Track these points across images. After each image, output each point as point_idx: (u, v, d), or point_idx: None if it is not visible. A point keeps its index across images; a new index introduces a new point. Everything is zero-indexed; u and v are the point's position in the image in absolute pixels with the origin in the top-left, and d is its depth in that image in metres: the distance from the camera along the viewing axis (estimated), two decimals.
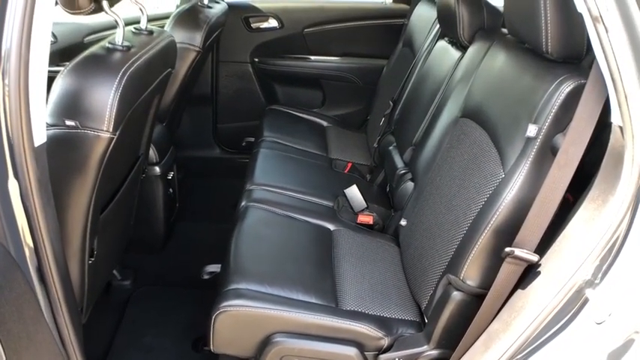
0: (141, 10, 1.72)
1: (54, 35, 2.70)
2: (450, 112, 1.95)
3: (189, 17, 2.43)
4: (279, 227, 2.01)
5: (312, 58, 3.39)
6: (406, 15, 3.22)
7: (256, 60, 3.37)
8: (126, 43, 1.53)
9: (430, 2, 2.81)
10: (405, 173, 2.25)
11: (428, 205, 1.82)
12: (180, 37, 2.32)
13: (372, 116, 3.08)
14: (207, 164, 3.44)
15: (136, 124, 1.75)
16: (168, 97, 2.39)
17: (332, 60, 3.39)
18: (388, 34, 3.31)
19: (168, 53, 1.83)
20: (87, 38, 2.85)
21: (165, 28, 2.36)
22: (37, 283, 1.24)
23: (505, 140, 1.47)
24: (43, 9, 1.11)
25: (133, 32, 1.71)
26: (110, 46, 1.52)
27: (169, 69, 1.89)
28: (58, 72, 1.45)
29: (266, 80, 3.43)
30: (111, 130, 1.39)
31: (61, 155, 1.37)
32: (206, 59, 2.99)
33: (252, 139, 3.02)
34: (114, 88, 1.38)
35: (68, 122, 1.35)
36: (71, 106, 1.36)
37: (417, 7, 2.96)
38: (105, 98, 1.36)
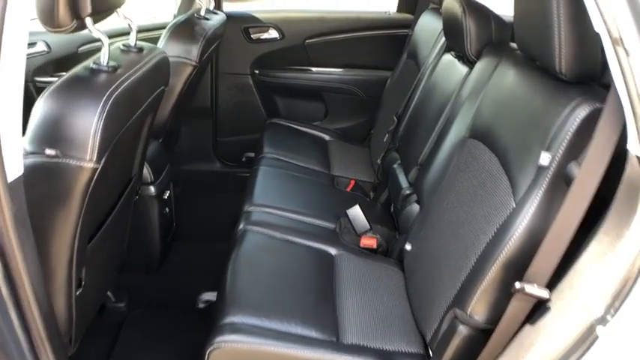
0: (129, 25, 1.63)
1: (47, 45, 2.66)
2: (457, 131, 1.86)
3: (184, 30, 2.34)
4: (277, 253, 1.93)
5: (314, 69, 3.32)
6: (410, 25, 3.14)
7: (257, 72, 3.30)
8: (112, 63, 1.44)
9: (435, 13, 2.73)
10: (410, 194, 2.16)
11: (434, 231, 1.73)
12: (175, 50, 2.25)
13: (376, 130, 2.99)
14: (206, 178, 3.36)
15: (125, 147, 1.66)
16: (164, 113, 2.31)
17: (334, 72, 3.31)
18: (392, 44, 3.23)
19: (160, 71, 1.75)
20: (81, 48, 2.80)
21: (159, 41, 2.29)
22: (18, 325, 1.16)
23: (516, 167, 1.39)
24: (16, 21, 1.01)
25: (121, 49, 1.63)
26: (94, 66, 1.42)
27: (162, 87, 1.80)
28: (51, 83, 1.37)
29: (267, 92, 3.35)
30: (94, 159, 1.30)
31: (41, 186, 1.29)
32: (204, 72, 2.91)
33: (252, 155, 2.94)
34: (97, 114, 1.29)
35: (49, 151, 1.26)
36: (52, 134, 1.28)
37: (421, 17, 2.88)
38: (88, 125, 1.27)
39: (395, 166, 2.43)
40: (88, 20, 1.35)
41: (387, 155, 2.59)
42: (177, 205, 2.64)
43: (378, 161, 2.64)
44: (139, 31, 3.10)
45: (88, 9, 1.33)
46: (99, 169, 1.33)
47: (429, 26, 2.71)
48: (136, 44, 1.64)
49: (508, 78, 1.64)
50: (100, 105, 1.30)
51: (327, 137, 3.10)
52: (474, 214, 1.51)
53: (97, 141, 1.29)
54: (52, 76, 2.63)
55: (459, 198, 1.64)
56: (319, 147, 2.97)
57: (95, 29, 1.38)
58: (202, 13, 2.56)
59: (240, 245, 1.91)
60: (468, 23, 2.01)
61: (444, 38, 2.41)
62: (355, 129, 3.33)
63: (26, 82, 2.71)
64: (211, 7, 2.81)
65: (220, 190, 3.33)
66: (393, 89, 2.95)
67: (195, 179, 3.25)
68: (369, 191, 2.68)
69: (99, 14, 1.41)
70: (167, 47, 2.25)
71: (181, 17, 2.47)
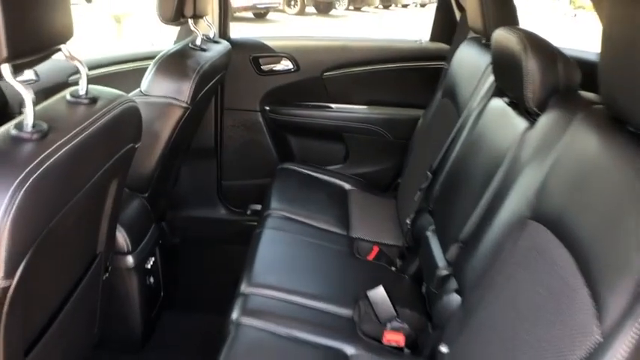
0: (79, 67, 1.22)
1: (35, 73, 2.39)
2: (513, 206, 1.42)
3: (173, 64, 1.96)
4: (278, 356, 1.52)
5: (333, 106, 2.89)
6: (446, 57, 2.71)
7: (267, 108, 2.88)
8: (41, 126, 1.02)
9: (477, 44, 2.29)
10: (447, 276, 1.72)
11: (479, 341, 1.29)
12: (161, 89, 1.89)
13: (405, 180, 2.56)
14: (209, 227, 2.97)
15: (75, 228, 1.26)
16: (149, 165, 1.94)
17: (356, 109, 2.88)
18: (424, 79, 2.81)
19: (124, 126, 1.35)
20: (72, 77, 2.53)
21: (143, 78, 1.92)
22: None
23: (603, 279, 0.95)
24: None
25: (67, 101, 1.22)
26: (14, 132, 1.00)
27: (130, 144, 1.40)
28: None
29: (278, 132, 2.93)
30: (2, 275, 0.89)
31: None
32: (203, 111, 2.52)
33: (259, 207, 2.53)
34: (2, 210, 0.88)
35: None
36: None
37: (460, 49, 2.43)
38: None
39: (429, 233, 1.98)
40: (5, 68, 0.95)
41: (419, 217, 2.15)
42: (174, 258, 2.37)
43: (408, 221, 2.19)
44: (133, 59, 2.79)
45: (3, 53, 0.94)
46: (12, 287, 0.92)
47: (469, 60, 2.27)
48: (87, 92, 1.23)
49: (589, 145, 1.20)
50: (8, 197, 0.89)
51: (347, 186, 2.67)
52: (538, 338, 1.07)
53: (3, 254, 0.88)
54: None
55: (516, 305, 1.20)
56: (337, 199, 2.54)
57: (16, 81, 0.98)
58: (198, 42, 2.16)
59: (232, 346, 1.53)
60: (529, 64, 1.56)
61: (491, 78, 1.96)
62: (379, 175, 2.90)
63: (14, 114, 2.44)
64: (212, 35, 2.39)
65: (224, 240, 2.92)
66: (426, 133, 2.51)
67: (196, 227, 2.88)
68: (395, 257, 2.24)
69: (22, 58, 1.00)
70: (152, 85, 1.90)
71: (172, 48, 2.08)
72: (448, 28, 2.81)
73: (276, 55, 2.86)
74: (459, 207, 1.83)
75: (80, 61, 1.21)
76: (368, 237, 2.27)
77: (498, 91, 1.91)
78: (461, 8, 2.68)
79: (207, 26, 2.38)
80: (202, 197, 2.96)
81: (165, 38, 2.87)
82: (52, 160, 0.98)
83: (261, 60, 2.85)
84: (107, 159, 1.27)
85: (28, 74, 2.54)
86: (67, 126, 1.09)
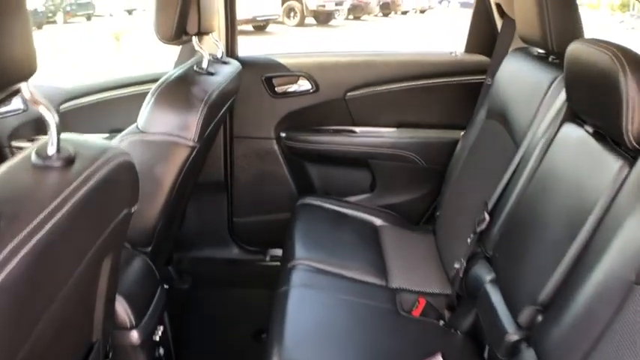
0: (44, 115, 0.88)
1: (24, 102, 2.28)
2: (613, 266, 1.11)
3: (175, 94, 1.63)
4: None
5: (358, 130, 2.55)
6: (486, 71, 2.37)
7: (283, 135, 2.54)
8: None
9: (530, 56, 1.95)
10: (519, 341, 1.41)
11: None
12: (163, 125, 1.57)
13: (445, 214, 2.20)
14: (222, 268, 2.66)
15: (54, 331, 0.92)
16: (151, 216, 1.62)
17: (384, 133, 2.54)
18: (461, 96, 2.47)
19: (113, 194, 1.01)
20: (64, 106, 2.44)
21: (141, 110, 1.59)
22: None
23: None
24: None
25: (33, 164, 0.87)
26: None
27: (124, 211, 1.06)
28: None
29: (296, 161, 2.59)
30: None
31: None
32: (210, 144, 2.19)
33: (279, 254, 2.21)
34: None
35: None
36: None
37: (507, 62, 2.08)
38: None
39: (488, 286, 1.64)
40: None
41: (474, 264, 1.80)
42: (184, 306, 2.20)
43: (457, 266, 1.85)
44: (129, 84, 2.46)
45: None
46: None
47: (523, 75, 1.92)
48: (60, 151, 0.88)
49: None
50: None
51: (377, 221, 2.32)
52: None
53: None
54: (29, 140, 2.30)
55: None
56: (369, 239, 2.20)
57: None
58: (204, 65, 1.82)
59: None
60: (629, 89, 1.20)
61: (560, 98, 1.62)
62: (411, 205, 2.56)
63: (2, 147, 2.27)
64: (220, 54, 2.06)
65: (239, 283, 2.61)
66: (470, 160, 2.16)
67: (207, 269, 2.59)
68: (443, 308, 1.90)
69: None
70: (151, 120, 1.57)
71: (174, 72, 1.74)
72: (487, 37, 2.47)
73: (291, 74, 2.53)
74: (531, 259, 1.49)
75: (46, 106, 0.87)
76: (411, 286, 1.94)
77: (571, 116, 1.56)
78: (503, 14, 2.34)
79: (214, 44, 2.05)
80: (212, 236, 2.65)
81: (167, 57, 2.57)
82: (6, 270, 0.65)
83: (274, 80, 2.52)
84: (94, 239, 0.93)
85: (15, 103, 2.42)
86: (31, 208, 0.75)
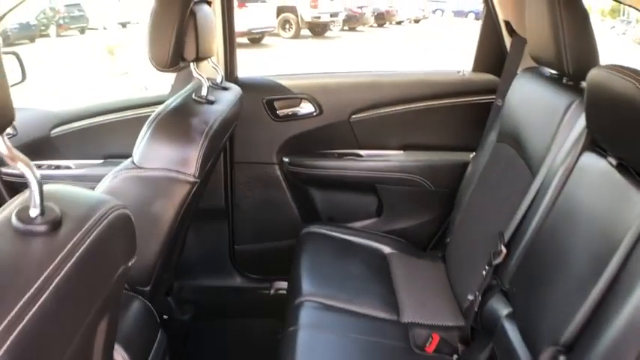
0: (27, 177, 0.77)
1: (13, 127, 2.03)
2: None
3: (174, 126, 1.53)
4: None
5: (364, 154, 2.45)
6: (495, 89, 2.29)
7: (286, 160, 2.44)
8: None
9: (542, 77, 1.86)
10: None
11: None
12: (161, 160, 1.46)
13: (455, 240, 2.11)
14: (223, 297, 2.55)
15: None
16: (150, 255, 1.51)
17: (391, 156, 2.44)
18: (470, 117, 2.38)
19: (107, 254, 0.90)
20: (54, 131, 2.39)
21: (136, 144, 1.48)
22: None
23: None
24: None
25: (15, 229, 0.76)
26: None
27: (121, 268, 0.96)
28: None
29: (300, 186, 2.49)
30: None
31: None
32: (210, 173, 2.09)
33: (284, 287, 2.11)
34: None
35: None
36: None
37: (518, 82, 1.98)
38: None
39: (505, 321, 1.54)
40: None
41: (489, 297, 1.70)
42: (185, 340, 2.13)
43: (469, 298, 1.75)
44: (125, 107, 2.37)
45: None
46: None
47: (536, 98, 1.83)
48: (44, 213, 0.77)
49: None
50: None
51: (385, 249, 2.22)
52: None
53: None
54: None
55: None
56: (378, 268, 2.10)
57: None
58: (203, 92, 1.72)
59: None
60: None
61: (579, 125, 1.53)
62: (419, 230, 2.46)
63: None
64: (220, 80, 1.96)
65: (242, 312, 2.53)
66: (481, 185, 2.07)
67: (208, 298, 2.49)
68: (456, 341, 1.80)
69: None
70: (148, 155, 1.46)
71: (171, 102, 1.64)
72: (495, 56, 2.38)
73: (294, 96, 2.43)
74: (552, 296, 1.40)
75: (25, 162, 0.76)
76: (423, 320, 1.84)
77: (591, 145, 1.47)
78: (512, 32, 2.25)
79: (212, 69, 1.94)
80: (214, 264, 2.55)
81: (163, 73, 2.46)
82: None
83: (276, 103, 2.42)
84: (88, 309, 0.83)
85: None
86: (10, 291, 0.65)
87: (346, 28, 19.62)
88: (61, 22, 19.60)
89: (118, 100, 2.51)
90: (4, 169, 2.27)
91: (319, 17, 17.45)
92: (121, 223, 0.91)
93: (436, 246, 2.43)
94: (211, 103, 1.70)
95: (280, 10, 16.63)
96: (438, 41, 17.16)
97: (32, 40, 18.08)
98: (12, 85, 2.44)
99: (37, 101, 2.52)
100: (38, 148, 2.36)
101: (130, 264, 0.99)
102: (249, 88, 2.29)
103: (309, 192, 2.50)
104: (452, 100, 2.42)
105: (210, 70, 1.92)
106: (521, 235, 1.63)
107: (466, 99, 2.41)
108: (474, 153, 2.22)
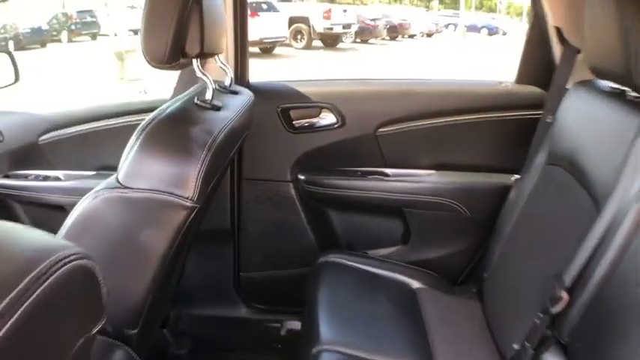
0: None
1: None
2: None
3: (170, 137, 1.23)
4: None
5: (390, 173, 2.15)
6: (541, 104, 2.00)
7: (302, 177, 2.15)
8: None
9: (598, 91, 1.56)
10: None
11: None
12: (152, 178, 1.16)
13: (495, 276, 1.82)
14: (225, 329, 2.29)
15: None
16: (138, 293, 1.24)
17: (421, 176, 2.14)
18: (513, 134, 2.09)
19: (56, 321, 0.61)
20: (43, 137, 2.18)
21: (123, 159, 1.18)
22: None
23: None
24: None
25: None
26: None
27: (81, 339, 0.68)
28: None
29: (316, 208, 2.20)
30: None
31: None
32: (214, 192, 1.81)
33: (298, 326, 1.83)
34: None
35: None
36: None
37: (571, 97, 1.68)
38: None
39: None
40: None
41: (542, 349, 1.41)
42: None
43: (515, 347, 1.47)
44: (123, 113, 2.10)
45: None
46: None
47: (595, 116, 1.53)
48: None
49: None
50: None
51: (414, 283, 1.93)
52: None
53: None
54: (5, 176, 2.11)
55: None
56: (407, 309, 1.80)
57: None
58: (208, 95, 1.41)
59: None
60: None
61: None
62: (450, 260, 2.16)
63: None
64: (229, 82, 1.67)
65: (246, 347, 2.25)
66: (527, 213, 1.78)
67: (209, 330, 2.24)
68: None
69: None
70: (135, 172, 1.17)
71: (168, 106, 1.34)
72: (542, 66, 2.09)
73: (313, 105, 2.15)
74: (625, 356, 1.12)
75: None
76: None
77: None
78: (563, 41, 1.97)
79: (220, 68, 1.65)
80: (216, 292, 2.28)
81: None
82: None
83: (292, 112, 2.13)
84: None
85: None
86: None
87: (358, 40, 19.46)
88: (73, 27, 19.58)
89: (114, 104, 2.25)
90: None
91: (331, 28, 17.30)
92: (79, 280, 0.62)
93: (469, 278, 2.14)
94: (217, 109, 1.40)
95: (292, 21, 16.48)
96: (453, 54, 16.96)
97: (43, 44, 18.06)
98: (5, 87, 2.20)
99: (37, 105, 2.30)
100: (26, 155, 2.16)
101: (94, 331, 0.71)
102: (262, 94, 2.01)
103: (326, 214, 2.21)
104: (492, 114, 2.13)
105: (217, 71, 1.64)
106: (585, 281, 1.33)
107: (508, 113, 2.12)
108: (518, 175, 1.93)
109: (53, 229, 0.95)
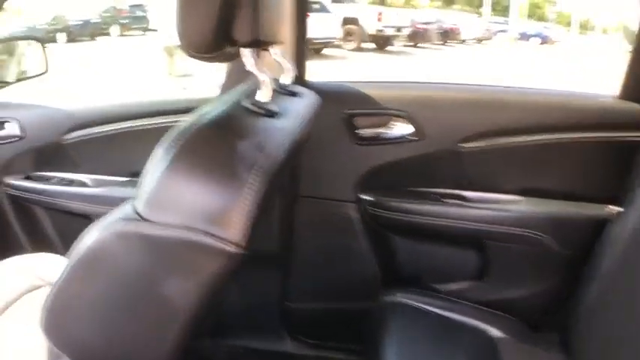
0: None
1: (20, 128, 1.94)
2: None
3: (213, 154, 0.87)
4: None
5: (471, 196, 1.82)
6: None
7: (366, 198, 1.83)
8: None
9: None
10: None
11: None
12: (182, 210, 0.82)
13: (590, 325, 1.49)
14: None
15: None
16: (159, 350, 0.95)
17: (506, 203, 1.79)
18: (616, 159, 1.73)
19: None
20: (70, 135, 1.96)
21: (148, 170, 0.86)
22: None
23: None
24: None
25: None
26: None
27: None
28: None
29: (381, 233, 1.88)
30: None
31: None
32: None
33: None
34: None
35: None
36: None
37: None
38: None
39: None
40: None
41: None
42: None
43: None
44: (162, 112, 1.81)
45: None
46: None
47: None
48: None
49: None
50: None
51: (493, 331, 1.61)
52: None
53: None
54: (27, 178, 1.96)
55: None
56: None
57: None
58: (264, 97, 1.06)
59: None
60: None
61: None
62: (530, 301, 1.82)
63: None
64: (289, 80, 1.33)
65: None
66: (632, 251, 1.44)
67: None
68: None
69: None
70: (160, 199, 0.83)
71: (209, 111, 0.99)
72: None
73: (383, 111, 1.82)
74: None
75: None
76: None
77: None
78: None
79: (277, 63, 1.30)
80: (258, 322, 2.01)
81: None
82: None
83: (358, 120, 1.81)
84: None
85: (11, 128, 1.93)
86: None
87: (409, 43, 19.10)
88: (124, 21, 19.71)
89: (149, 102, 1.99)
90: (7, 179, 1.93)
91: (382, 30, 17.00)
92: None
93: (548, 323, 1.81)
94: (273, 115, 1.06)
95: (344, 22, 16.20)
96: (510, 60, 16.50)
97: (92, 37, 18.17)
98: (34, 77, 1.96)
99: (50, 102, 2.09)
100: (50, 155, 1.97)
101: None
102: (323, 96, 1.69)
103: (391, 241, 1.89)
104: (589, 133, 1.78)
105: (275, 68, 1.32)
106: None
107: (611, 134, 1.77)
108: (618, 208, 1.59)
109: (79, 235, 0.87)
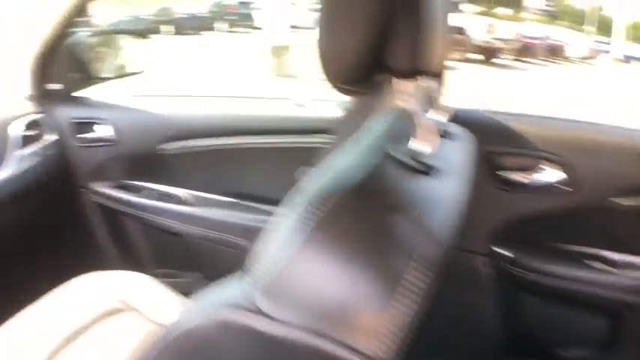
0: None
1: (116, 131, 1.80)
2: None
3: (363, 233, 0.60)
4: None
5: (619, 260, 1.49)
6: None
7: (504, 253, 1.54)
8: None
9: None
10: None
11: None
12: (316, 308, 0.56)
13: None
14: None
15: None
16: None
17: None
18: None
19: None
20: (167, 145, 1.77)
21: (268, 247, 0.60)
22: None
23: None
24: None
25: None
26: None
27: None
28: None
29: (515, 294, 1.59)
30: None
31: None
32: None
33: None
34: None
35: None
36: None
37: None
38: None
39: None
40: None
41: None
42: None
43: None
44: (273, 131, 1.58)
45: None
46: None
47: None
48: None
49: None
50: None
51: None
52: None
53: None
54: (117, 187, 1.82)
55: None
56: None
57: None
58: (428, 146, 0.77)
59: None
60: None
61: None
62: None
63: (76, 187, 1.82)
64: (446, 118, 0.97)
65: None
66: None
67: None
68: None
69: None
70: (287, 288, 0.57)
71: (354, 163, 0.68)
72: None
73: (531, 153, 1.51)
74: None
75: None
76: None
77: None
78: None
79: (423, 99, 0.92)
80: None
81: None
82: None
83: (500, 160, 1.53)
84: None
85: (105, 130, 1.82)
86: None
87: (515, 57, 18.53)
88: (230, 18, 19.96)
89: (260, 117, 1.77)
90: (95, 186, 1.80)
91: (490, 42, 16.55)
92: None
93: None
94: (428, 170, 0.74)
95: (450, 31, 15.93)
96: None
97: (198, 31, 18.50)
98: (131, 74, 1.79)
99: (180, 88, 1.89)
100: (145, 164, 1.80)
101: None
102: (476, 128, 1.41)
103: (525, 304, 1.60)
104: None
105: (414, 104, 1.02)
106: None
107: None
108: None
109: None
